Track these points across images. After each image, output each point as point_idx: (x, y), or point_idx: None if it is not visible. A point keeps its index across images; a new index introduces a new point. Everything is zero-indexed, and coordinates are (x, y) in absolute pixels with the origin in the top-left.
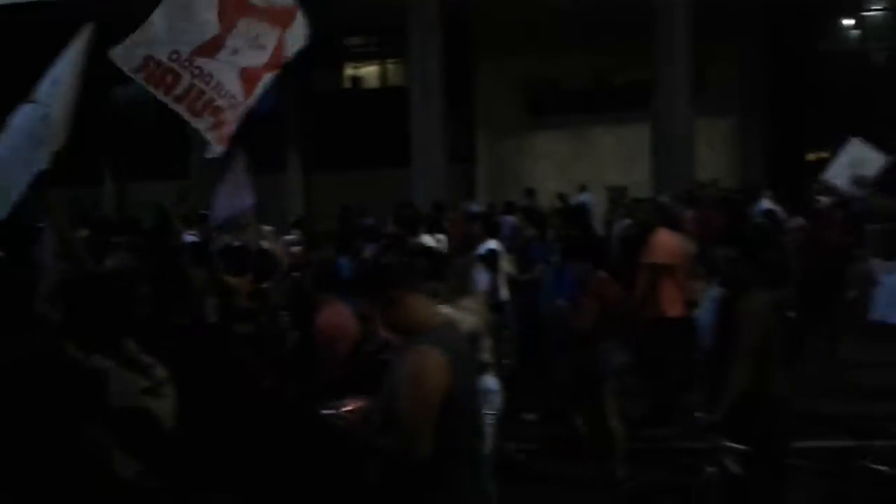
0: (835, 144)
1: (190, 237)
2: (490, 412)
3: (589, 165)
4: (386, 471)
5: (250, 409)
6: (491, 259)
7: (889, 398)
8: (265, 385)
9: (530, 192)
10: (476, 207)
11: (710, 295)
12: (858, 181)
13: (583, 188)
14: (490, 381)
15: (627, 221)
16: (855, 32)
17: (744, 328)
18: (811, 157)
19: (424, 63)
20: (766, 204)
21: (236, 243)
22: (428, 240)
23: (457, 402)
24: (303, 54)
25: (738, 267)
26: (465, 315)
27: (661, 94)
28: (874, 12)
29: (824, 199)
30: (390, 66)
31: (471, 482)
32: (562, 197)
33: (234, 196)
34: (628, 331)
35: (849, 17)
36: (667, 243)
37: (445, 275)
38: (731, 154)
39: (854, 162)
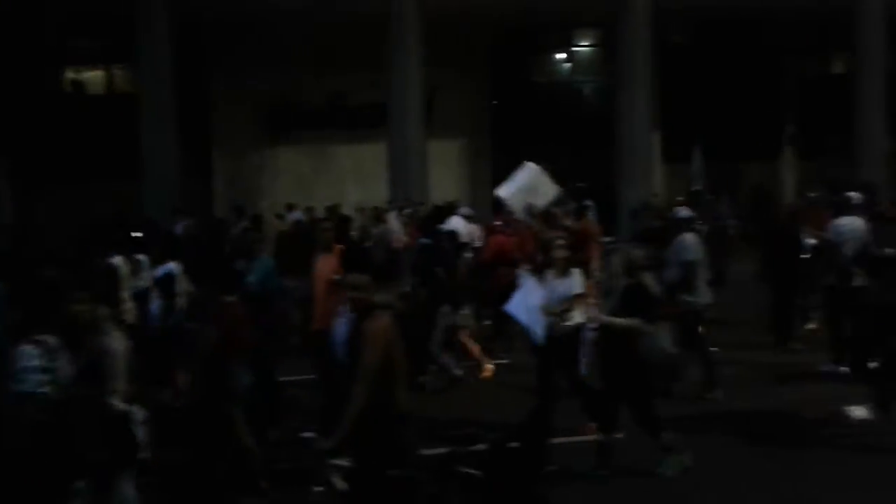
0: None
1: None
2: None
3: (329, 182)
4: None
5: None
6: (166, 283)
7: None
8: None
9: (239, 211)
10: (179, 227)
11: (344, 316)
12: (529, 211)
13: (290, 207)
14: (137, 411)
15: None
16: (566, 66)
17: (365, 349)
18: None
19: (155, 71)
20: (455, 222)
21: None
22: (119, 261)
23: None
24: (17, 54)
25: (366, 290)
26: (119, 335)
27: (395, 115)
28: (582, 48)
29: (521, 218)
30: (118, 72)
31: None
32: (256, 218)
33: None
34: (256, 353)
35: (561, 51)
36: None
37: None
38: (463, 174)
39: (530, 190)
